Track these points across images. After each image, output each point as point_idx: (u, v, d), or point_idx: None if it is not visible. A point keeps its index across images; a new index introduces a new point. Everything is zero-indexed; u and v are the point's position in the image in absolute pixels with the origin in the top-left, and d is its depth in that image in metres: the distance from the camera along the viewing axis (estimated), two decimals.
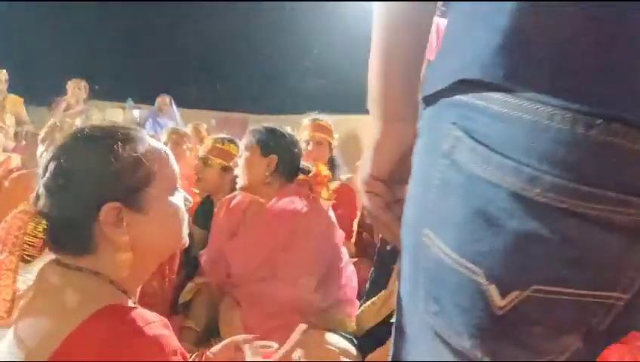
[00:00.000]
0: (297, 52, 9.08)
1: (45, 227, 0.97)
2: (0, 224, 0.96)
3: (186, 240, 1.11)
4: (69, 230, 0.97)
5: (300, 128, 3.30)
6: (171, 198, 1.06)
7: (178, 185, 1.10)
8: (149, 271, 1.08)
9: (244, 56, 10.84)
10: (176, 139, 3.71)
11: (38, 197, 0.99)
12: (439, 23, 7.08)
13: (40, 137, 3.15)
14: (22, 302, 0.96)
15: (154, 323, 0.92)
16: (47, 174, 0.98)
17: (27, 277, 1.00)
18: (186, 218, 1.10)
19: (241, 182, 2.27)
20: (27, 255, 0.96)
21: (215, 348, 1.40)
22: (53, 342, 0.87)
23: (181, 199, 1.09)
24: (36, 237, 0.96)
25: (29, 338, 0.90)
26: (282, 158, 2.24)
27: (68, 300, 0.92)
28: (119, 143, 0.99)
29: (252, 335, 1.40)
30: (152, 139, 1.08)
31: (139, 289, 1.07)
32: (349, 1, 7.04)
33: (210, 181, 2.90)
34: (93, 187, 0.97)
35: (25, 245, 0.95)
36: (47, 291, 0.95)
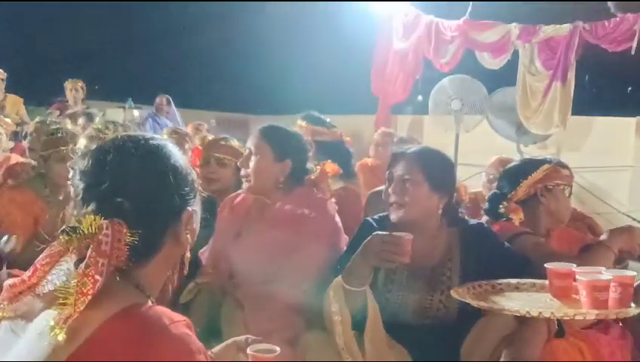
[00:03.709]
0: (297, 52, 9.08)
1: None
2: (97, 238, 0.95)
3: None
4: (147, 236, 0.98)
5: None
6: None
7: None
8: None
9: (244, 57, 10.83)
10: (178, 139, 3.70)
11: (116, 205, 0.98)
12: (438, 22, 7.09)
13: (30, 139, 3.11)
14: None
15: (179, 322, 0.94)
16: (133, 184, 0.99)
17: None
18: None
19: (253, 184, 2.21)
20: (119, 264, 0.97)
21: (217, 348, 1.40)
22: (78, 336, 0.89)
23: None
24: (126, 246, 0.97)
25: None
26: (296, 163, 2.20)
27: (93, 298, 0.93)
28: (181, 153, 1.08)
29: (254, 337, 1.40)
30: None
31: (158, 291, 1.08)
32: (349, 1, 7.03)
33: (225, 181, 2.89)
34: (178, 196, 1.03)
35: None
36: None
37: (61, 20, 9.58)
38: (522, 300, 1.63)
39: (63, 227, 0.96)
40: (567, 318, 1.52)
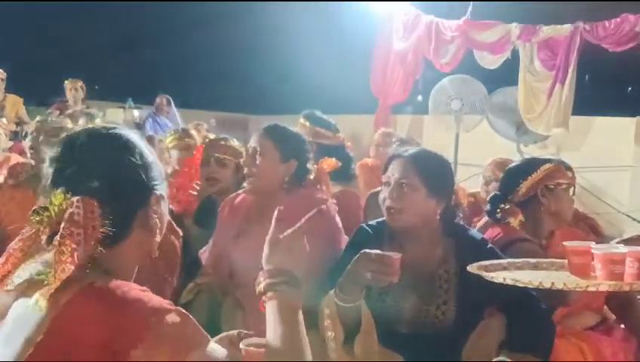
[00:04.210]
0: (297, 52, 9.08)
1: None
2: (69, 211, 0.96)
3: None
4: (116, 217, 1.00)
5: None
6: None
7: None
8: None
9: (244, 57, 10.83)
10: (190, 143, 3.69)
11: (85, 186, 1.00)
12: (438, 22, 7.10)
13: (30, 138, 3.11)
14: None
15: (135, 289, 0.97)
16: (101, 166, 1.02)
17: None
18: None
19: (258, 184, 2.19)
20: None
21: None
22: (47, 317, 0.92)
23: None
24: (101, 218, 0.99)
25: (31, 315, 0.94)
26: (301, 163, 2.20)
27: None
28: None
29: (246, 332, 1.40)
30: None
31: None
32: (349, 1, 7.03)
33: (225, 181, 2.89)
34: (148, 180, 1.07)
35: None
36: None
37: (61, 20, 9.58)
38: (540, 277, 1.56)
39: (34, 208, 0.98)
40: (580, 289, 1.48)
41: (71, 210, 0.95)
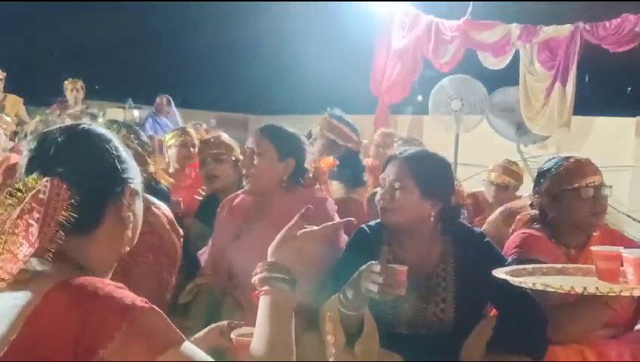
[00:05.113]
0: (297, 52, 9.08)
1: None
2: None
3: None
4: (87, 203, 1.00)
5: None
6: None
7: None
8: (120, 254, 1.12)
9: (244, 57, 10.83)
10: (187, 140, 3.72)
11: (57, 172, 0.99)
12: (438, 22, 7.09)
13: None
14: None
15: (109, 285, 0.95)
16: (74, 155, 1.02)
17: None
18: None
19: (257, 184, 2.20)
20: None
21: (199, 334, 1.39)
22: (21, 317, 0.91)
23: None
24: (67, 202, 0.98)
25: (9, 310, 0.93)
26: (299, 162, 2.20)
27: (36, 281, 0.95)
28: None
29: (237, 322, 1.40)
30: None
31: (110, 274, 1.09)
32: (348, 1, 7.03)
33: (225, 178, 2.94)
34: (122, 171, 1.06)
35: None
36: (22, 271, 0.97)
37: (61, 20, 9.58)
38: (569, 283, 1.51)
39: (8, 189, 0.97)
40: (613, 294, 1.44)
41: (37, 188, 0.96)
